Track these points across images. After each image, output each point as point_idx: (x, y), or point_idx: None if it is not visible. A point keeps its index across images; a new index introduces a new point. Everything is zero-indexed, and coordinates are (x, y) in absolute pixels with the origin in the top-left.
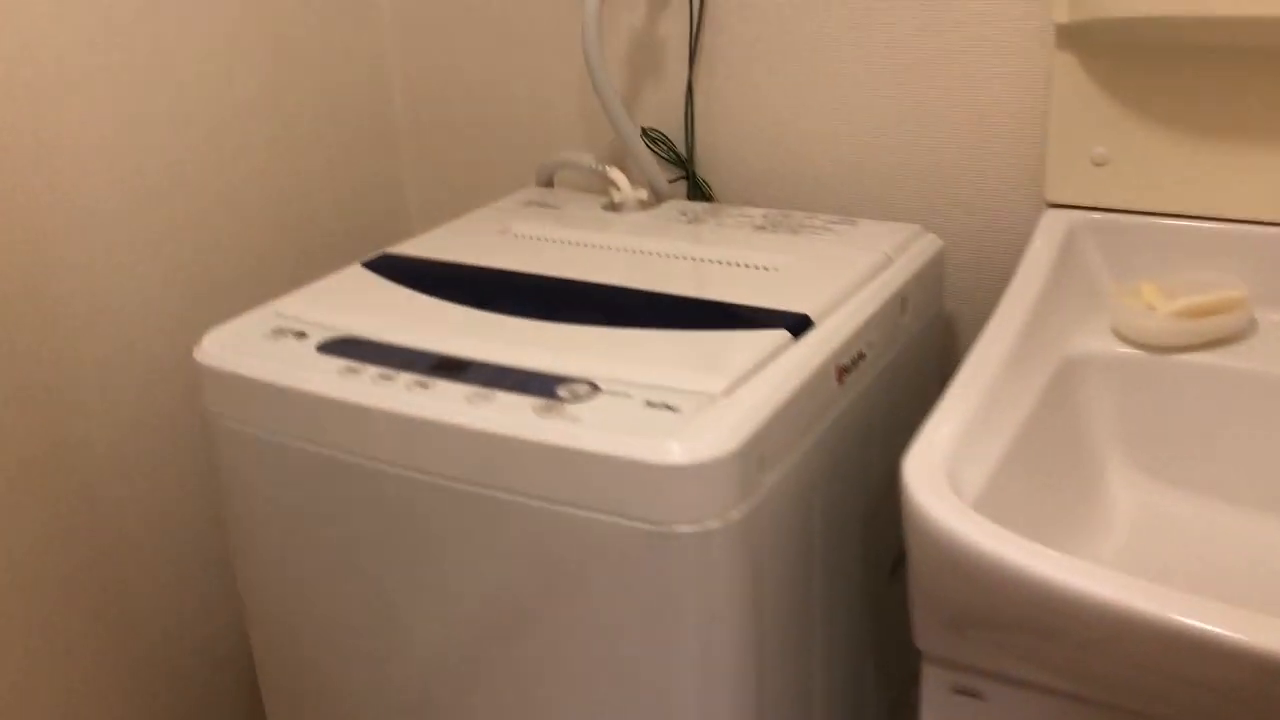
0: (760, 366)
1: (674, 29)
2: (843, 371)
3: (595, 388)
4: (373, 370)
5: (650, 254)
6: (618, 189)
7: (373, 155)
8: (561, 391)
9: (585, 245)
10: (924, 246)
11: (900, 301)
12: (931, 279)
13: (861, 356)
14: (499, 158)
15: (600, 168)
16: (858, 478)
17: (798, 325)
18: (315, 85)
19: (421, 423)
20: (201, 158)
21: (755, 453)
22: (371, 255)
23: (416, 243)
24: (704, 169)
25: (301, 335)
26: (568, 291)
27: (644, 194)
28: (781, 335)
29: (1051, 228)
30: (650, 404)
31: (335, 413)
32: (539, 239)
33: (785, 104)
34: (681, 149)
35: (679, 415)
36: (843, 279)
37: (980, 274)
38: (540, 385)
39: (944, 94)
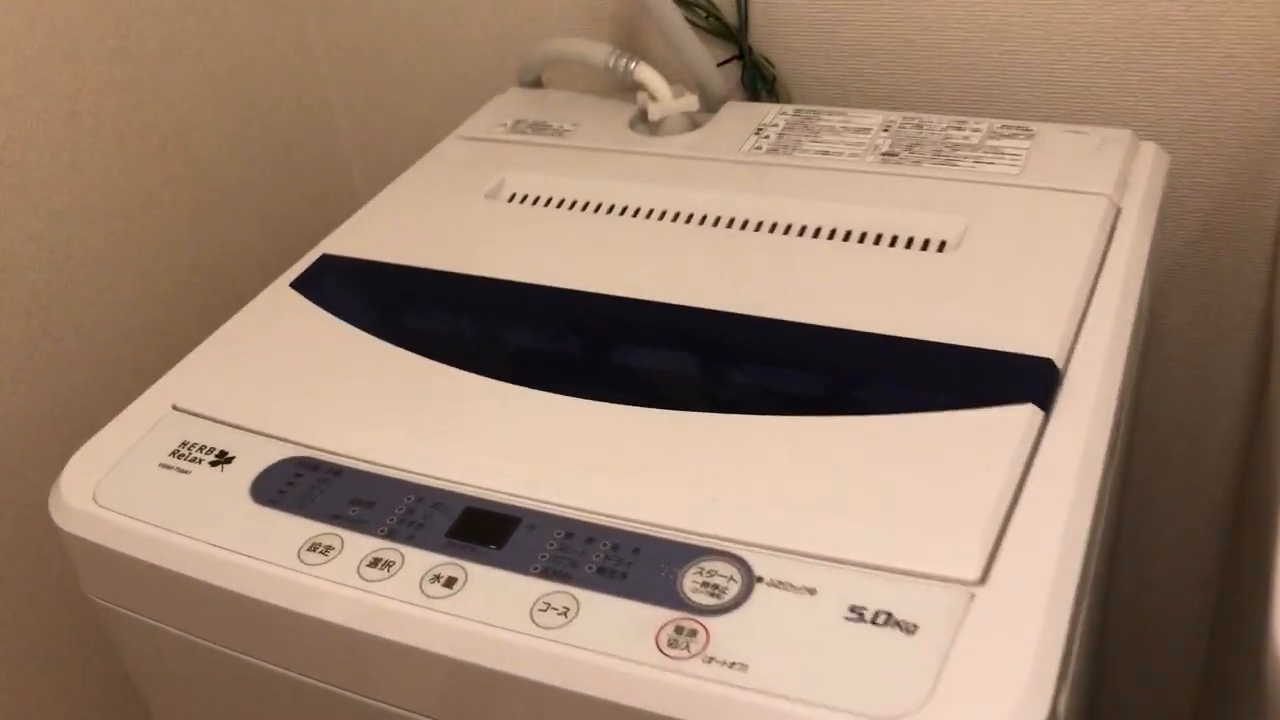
0: (1017, 496)
1: None
2: (1111, 456)
3: (746, 573)
4: (353, 545)
5: (736, 224)
6: (653, 98)
7: (283, 60)
8: (688, 588)
9: (626, 213)
10: (1151, 168)
11: (1148, 282)
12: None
13: (1133, 422)
14: (458, 53)
15: (622, 62)
16: None
17: (1042, 382)
18: None
19: (454, 665)
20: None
21: (1065, 709)
22: (304, 264)
23: (365, 222)
24: (763, 42)
25: (222, 458)
26: (627, 326)
27: (692, 100)
28: (1025, 413)
29: None
30: (857, 615)
31: (302, 630)
32: (549, 203)
33: None
34: (731, 14)
35: (918, 641)
36: (1064, 258)
37: (1220, 207)
38: (644, 576)
39: None
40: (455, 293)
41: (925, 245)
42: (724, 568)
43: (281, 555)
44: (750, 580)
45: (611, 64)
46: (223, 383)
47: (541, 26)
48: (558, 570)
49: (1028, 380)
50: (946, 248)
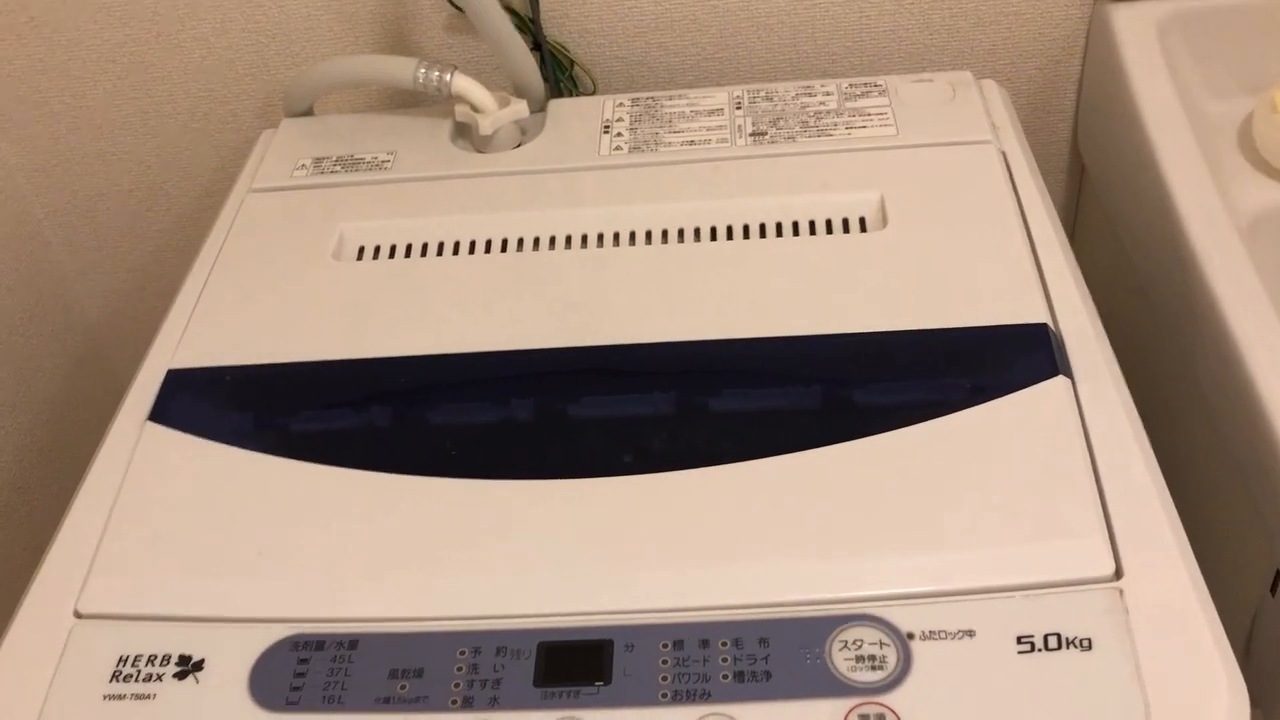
0: (1098, 475)
1: None
2: None
3: (893, 633)
4: None
5: (640, 239)
6: (477, 109)
7: None
8: (844, 668)
9: (510, 248)
10: (1003, 105)
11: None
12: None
13: None
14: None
15: (434, 75)
16: None
17: (1054, 350)
18: None
19: None
20: None
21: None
22: (144, 388)
23: (202, 315)
24: (556, 28)
25: (186, 664)
26: (590, 379)
27: (522, 107)
28: (1059, 387)
29: (1135, 29)
30: (1028, 645)
31: None
32: (410, 253)
33: None
34: (521, 4)
35: (1102, 657)
36: (992, 216)
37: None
38: (789, 668)
39: None
40: (367, 385)
41: (846, 226)
42: (868, 633)
43: None
44: (901, 640)
45: (421, 78)
46: (134, 561)
47: (288, 41)
48: (691, 691)
49: (1039, 351)
50: (869, 225)
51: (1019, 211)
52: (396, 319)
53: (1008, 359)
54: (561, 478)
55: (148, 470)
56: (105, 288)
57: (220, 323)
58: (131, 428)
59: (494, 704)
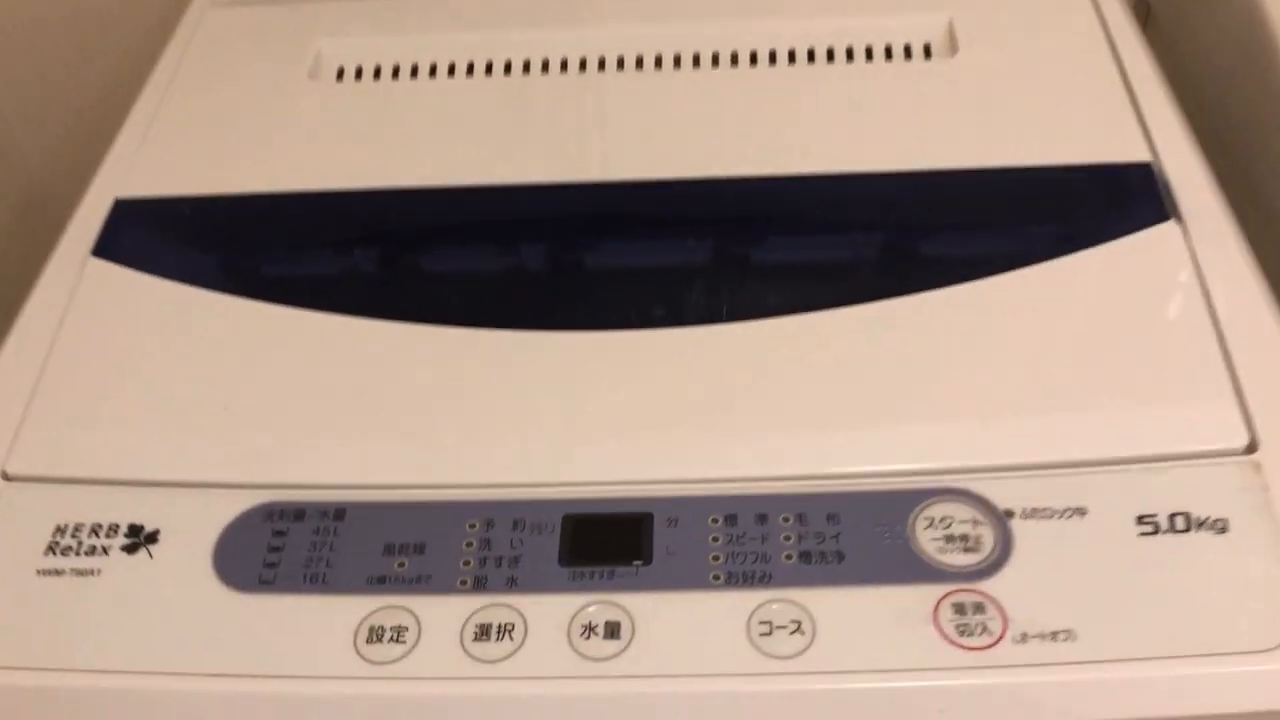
0: (1220, 331)
1: None
2: None
3: (988, 511)
4: (433, 613)
5: (667, 63)
6: None
7: None
8: (931, 549)
9: (514, 70)
10: None
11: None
12: None
13: None
14: None
15: None
16: None
17: (1161, 192)
18: None
19: None
20: None
21: None
22: (88, 220)
23: (157, 139)
24: None
25: (137, 536)
26: (626, 219)
27: None
28: (1171, 233)
29: None
30: (1150, 526)
31: None
32: (399, 74)
33: None
34: None
35: (1239, 541)
36: (1079, 45)
37: None
38: (865, 548)
39: None
40: (351, 220)
41: (908, 53)
42: (958, 510)
43: (331, 663)
44: (999, 518)
45: None
46: (73, 414)
47: None
48: (748, 573)
49: (1143, 193)
50: (935, 52)
51: (1107, 38)
52: (383, 147)
53: (1106, 202)
54: (583, 329)
55: (91, 311)
56: (49, 133)
57: (178, 148)
58: (72, 263)
59: (512, 585)
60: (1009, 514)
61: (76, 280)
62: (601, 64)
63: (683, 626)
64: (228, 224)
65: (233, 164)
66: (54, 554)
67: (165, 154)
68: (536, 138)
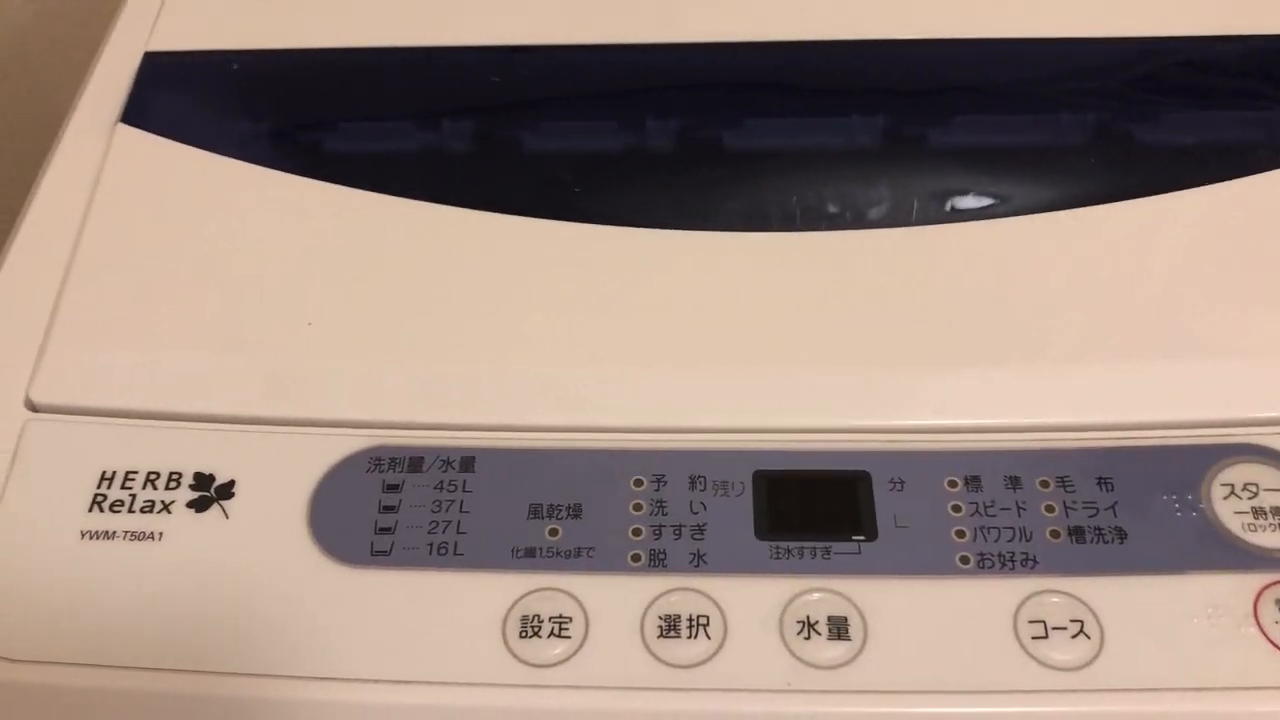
0: None
1: None
2: None
3: None
4: (599, 596)
5: None
6: None
7: None
8: (1236, 526)
9: None
10: None
11: None
12: None
13: None
14: None
15: None
16: None
17: None
18: None
19: None
20: None
21: None
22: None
23: None
24: None
25: (206, 488)
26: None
27: None
28: None
29: None
30: None
31: None
32: None
33: None
34: None
35: None
36: None
37: None
38: (1151, 519)
39: None
40: (441, 85)
41: None
42: (1264, 474)
43: (475, 664)
44: None
45: None
46: (114, 329)
47: None
48: (1006, 555)
49: None
50: None
51: None
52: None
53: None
54: (750, 230)
55: (123, 193)
56: None
57: None
58: (96, 132)
59: (699, 563)
60: None
61: (102, 154)
62: None
63: (928, 625)
64: (289, 86)
65: (290, 10)
66: (100, 510)
67: None
68: None
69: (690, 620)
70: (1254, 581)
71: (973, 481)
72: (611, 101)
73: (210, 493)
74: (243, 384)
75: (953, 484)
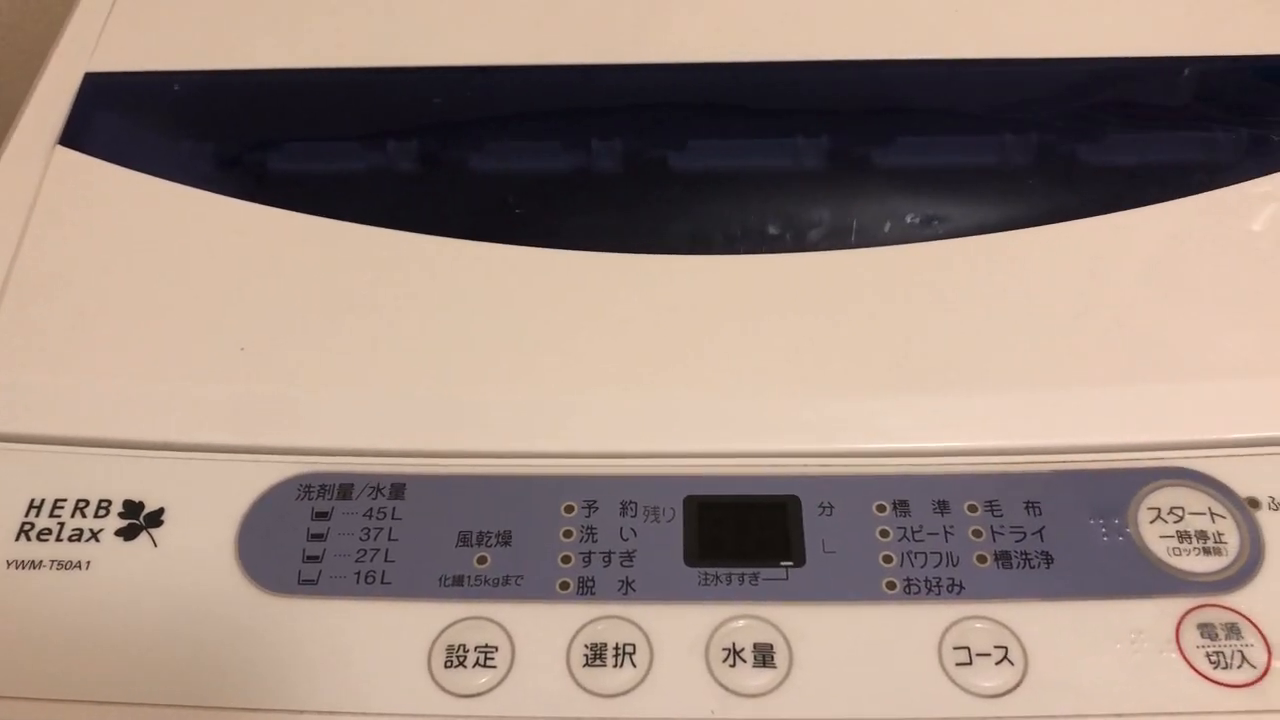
0: None
1: None
2: None
3: (1227, 496)
4: (527, 627)
5: None
6: None
7: None
8: (1161, 550)
9: None
10: None
11: None
12: None
13: None
14: None
15: None
16: None
17: None
18: None
19: None
20: None
21: None
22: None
23: (117, 5)
24: None
25: (135, 516)
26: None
27: None
28: None
29: None
30: None
31: None
32: None
33: None
34: None
35: None
36: None
37: None
38: (1076, 546)
39: None
40: (382, 106)
41: None
42: (1190, 498)
43: (399, 694)
44: (1240, 509)
45: None
46: (46, 352)
47: None
48: (932, 581)
49: None
50: None
51: None
52: (422, 16)
53: None
54: (692, 253)
55: (59, 217)
56: None
57: (164, 10)
58: (34, 153)
59: (628, 590)
60: (1253, 503)
61: (39, 177)
62: None
63: (853, 651)
64: (229, 107)
65: (234, 33)
66: (27, 539)
67: (148, 16)
68: (601, 6)
69: (616, 649)
70: (1177, 606)
71: (901, 506)
72: (556, 123)
73: (139, 520)
74: (173, 410)
75: (881, 508)
